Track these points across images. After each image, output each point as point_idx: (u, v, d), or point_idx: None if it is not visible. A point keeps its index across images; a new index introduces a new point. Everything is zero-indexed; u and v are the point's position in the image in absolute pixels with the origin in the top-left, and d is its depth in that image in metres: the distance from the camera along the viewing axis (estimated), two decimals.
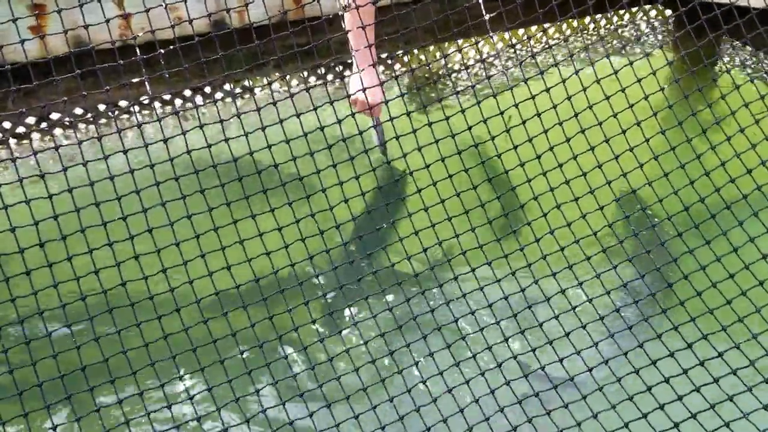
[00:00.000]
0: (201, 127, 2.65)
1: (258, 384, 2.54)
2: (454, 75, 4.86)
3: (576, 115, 2.89)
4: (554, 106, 2.88)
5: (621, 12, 5.51)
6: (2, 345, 2.33)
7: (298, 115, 2.66)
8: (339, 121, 2.75)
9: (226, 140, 2.66)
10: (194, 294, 2.53)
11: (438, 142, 2.81)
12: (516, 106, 2.86)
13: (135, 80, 2.63)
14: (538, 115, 2.86)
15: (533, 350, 2.58)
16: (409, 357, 2.68)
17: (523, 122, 2.85)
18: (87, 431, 2.47)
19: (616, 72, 2.94)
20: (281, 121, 2.69)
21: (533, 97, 2.87)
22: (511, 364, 2.61)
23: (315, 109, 2.74)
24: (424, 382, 2.54)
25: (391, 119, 2.83)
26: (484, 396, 2.50)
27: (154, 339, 2.44)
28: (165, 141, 2.61)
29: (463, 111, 2.85)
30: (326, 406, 2.44)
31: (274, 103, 2.67)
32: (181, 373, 2.65)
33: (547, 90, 2.88)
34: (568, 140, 2.88)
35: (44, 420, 2.71)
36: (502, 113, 2.88)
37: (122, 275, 2.46)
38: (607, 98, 2.91)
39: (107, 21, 2.62)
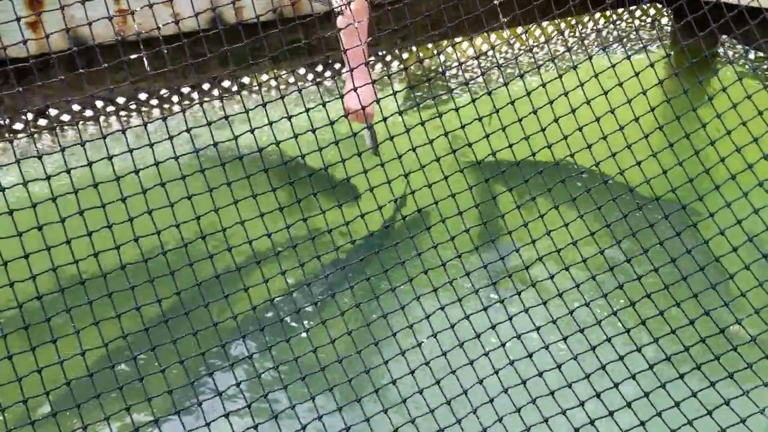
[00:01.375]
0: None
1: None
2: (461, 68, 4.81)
3: (588, 102, 2.88)
4: (565, 94, 2.88)
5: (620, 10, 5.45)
6: None
7: (307, 111, 2.68)
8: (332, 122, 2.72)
9: (235, 137, 2.64)
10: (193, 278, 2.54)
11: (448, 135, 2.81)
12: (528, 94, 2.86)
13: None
14: (551, 103, 2.87)
15: None
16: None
17: (535, 111, 2.85)
18: None
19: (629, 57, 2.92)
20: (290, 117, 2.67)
21: (544, 85, 2.87)
22: None
23: (324, 103, 2.72)
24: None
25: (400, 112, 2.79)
26: None
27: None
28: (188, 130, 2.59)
29: (474, 101, 2.83)
30: (331, 389, 2.48)
31: (282, 98, 2.66)
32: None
33: (560, 77, 2.89)
34: (580, 128, 2.89)
35: None
36: (507, 103, 2.86)
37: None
38: (621, 84, 2.90)
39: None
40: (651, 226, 2.82)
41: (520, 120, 2.84)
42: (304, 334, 2.62)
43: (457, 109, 2.80)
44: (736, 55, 5.22)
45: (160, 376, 2.41)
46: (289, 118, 2.65)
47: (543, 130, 2.86)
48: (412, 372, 2.52)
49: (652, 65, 2.96)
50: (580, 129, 2.88)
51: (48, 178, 2.44)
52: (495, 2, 3.00)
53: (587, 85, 2.88)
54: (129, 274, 2.46)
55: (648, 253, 2.76)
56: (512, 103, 2.83)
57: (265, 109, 2.64)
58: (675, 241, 2.86)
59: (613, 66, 2.93)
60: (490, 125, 2.83)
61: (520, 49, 5.33)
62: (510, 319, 2.64)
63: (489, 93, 2.84)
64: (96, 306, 2.38)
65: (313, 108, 2.73)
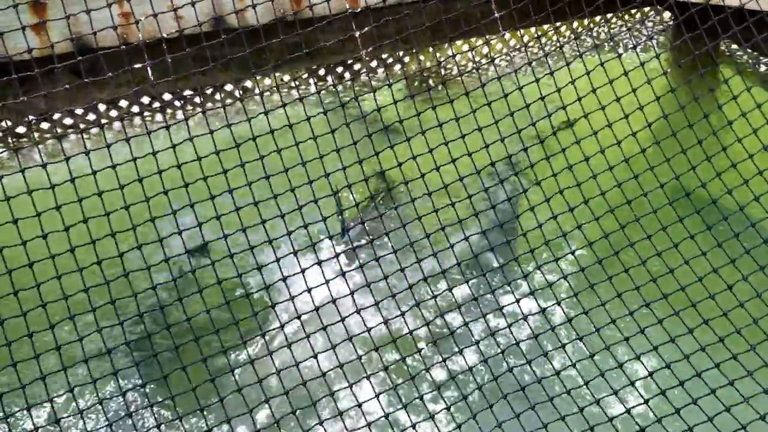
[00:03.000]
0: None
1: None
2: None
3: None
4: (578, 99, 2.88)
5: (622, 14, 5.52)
6: None
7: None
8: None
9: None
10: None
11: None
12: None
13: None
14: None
15: None
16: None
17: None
18: None
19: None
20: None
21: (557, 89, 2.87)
22: None
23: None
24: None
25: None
26: None
27: None
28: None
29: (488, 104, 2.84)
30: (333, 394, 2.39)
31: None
32: None
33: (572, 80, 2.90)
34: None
35: None
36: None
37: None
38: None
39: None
40: (664, 229, 2.78)
41: (533, 124, 2.84)
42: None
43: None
44: (743, 61, 5.23)
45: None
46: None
47: (555, 132, 2.85)
48: (413, 377, 2.46)
49: (665, 73, 2.98)
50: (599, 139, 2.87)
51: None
52: (496, 15, 3.02)
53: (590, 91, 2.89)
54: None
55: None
56: (527, 106, 2.84)
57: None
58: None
59: (626, 73, 2.93)
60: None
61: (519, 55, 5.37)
62: (526, 318, 2.59)
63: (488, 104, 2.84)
64: None
65: None
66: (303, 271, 2.49)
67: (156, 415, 2.42)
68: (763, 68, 5.10)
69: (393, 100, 2.82)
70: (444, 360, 2.49)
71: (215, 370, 2.37)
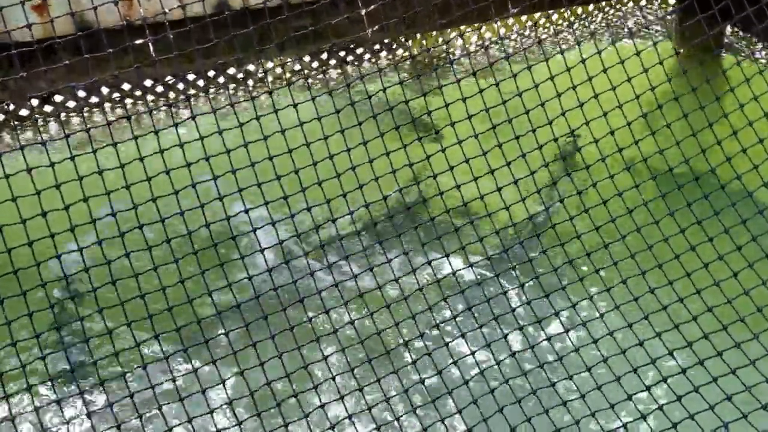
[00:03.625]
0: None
1: None
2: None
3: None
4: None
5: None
6: None
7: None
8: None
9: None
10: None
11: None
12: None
13: None
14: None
15: None
16: None
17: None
18: None
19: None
20: None
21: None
22: None
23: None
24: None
25: None
26: None
27: None
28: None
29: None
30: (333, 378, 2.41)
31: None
32: None
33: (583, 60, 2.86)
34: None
35: None
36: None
37: None
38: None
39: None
40: (671, 214, 2.76)
41: (541, 104, 2.80)
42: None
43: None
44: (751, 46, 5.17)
45: None
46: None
47: (550, 123, 2.81)
48: (414, 361, 2.47)
49: (678, 53, 2.95)
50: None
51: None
52: None
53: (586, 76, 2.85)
54: None
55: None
56: (536, 86, 2.81)
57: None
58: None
59: (638, 53, 2.89)
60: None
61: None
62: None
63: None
64: None
65: None
66: None
67: None
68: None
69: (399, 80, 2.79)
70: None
71: None
